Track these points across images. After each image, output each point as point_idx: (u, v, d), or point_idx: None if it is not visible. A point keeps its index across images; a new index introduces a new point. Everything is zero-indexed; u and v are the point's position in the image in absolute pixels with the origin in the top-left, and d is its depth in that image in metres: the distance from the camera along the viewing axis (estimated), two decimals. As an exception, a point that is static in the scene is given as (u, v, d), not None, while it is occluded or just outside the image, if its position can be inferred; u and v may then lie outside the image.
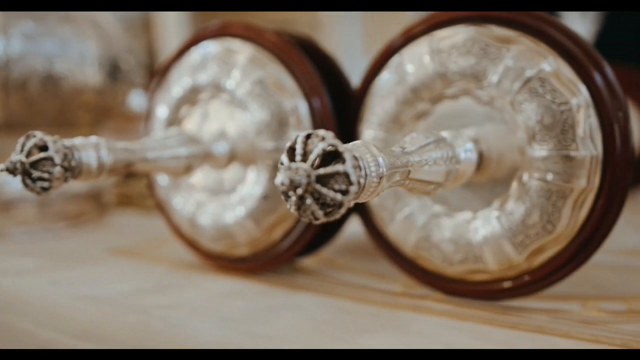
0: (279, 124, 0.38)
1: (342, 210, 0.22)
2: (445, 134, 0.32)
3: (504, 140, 0.33)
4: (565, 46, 0.32)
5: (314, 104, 0.38)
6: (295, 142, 0.23)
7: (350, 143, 0.24)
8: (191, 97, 0.42)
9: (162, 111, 0.44)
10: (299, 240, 0.40)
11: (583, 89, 0.31)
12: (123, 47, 0.60)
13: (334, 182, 0.22)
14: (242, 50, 0.40)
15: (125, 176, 0.70)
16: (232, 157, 0.40)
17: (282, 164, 0.22)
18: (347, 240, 0.51)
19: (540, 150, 0.32)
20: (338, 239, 0.50)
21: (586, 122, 0.31)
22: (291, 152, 0.23)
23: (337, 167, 0.22)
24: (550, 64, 0.31)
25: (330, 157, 0.22)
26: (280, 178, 0.22)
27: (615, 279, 0.40)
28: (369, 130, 0.37)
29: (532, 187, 0.32)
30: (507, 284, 0.35)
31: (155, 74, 0.46)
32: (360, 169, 0.23)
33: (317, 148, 0.22)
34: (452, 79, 0.34)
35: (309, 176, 0.22)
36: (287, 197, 0.23)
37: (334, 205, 0.22)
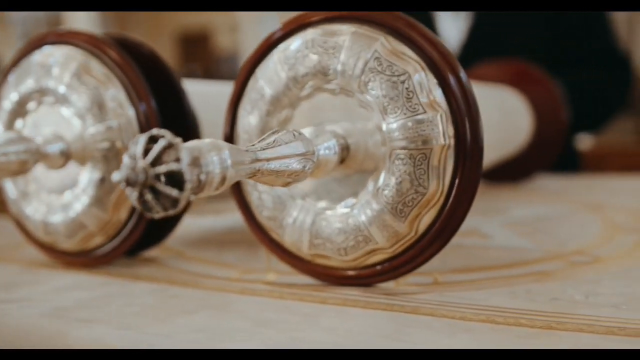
0: (99, 107, 0.41)
1: (180, 206, 0.25)
2: (308, 131, 0.34)
3: (369, 135, 0.35)
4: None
5: (140, 108, 0.42)
6: (136, 143, 0.25)
7: (195, 141, 0.26)
8: (20, 109, 0.45)
9: None
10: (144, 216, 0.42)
11: (413, 55, 0.34)
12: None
13: (170, 179, 0.24)
14: (59, 52, 0.43)
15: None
16: (67, 154, 0.42)
17: (124, 162, 0.25)
18: (198, 233, 0.54)
19: (394, 123, 0.34)
20: (190, 233, 0.53)
21: (424, 85, 0.33)
22: (132, 150, 0.25)
23: (172, 166, 0.24)
24: (383, 43, 0.34)
25: (172, 156, 0.24)
26: (119, 176, 0.24)
27: (438, 258, 0.44)
28: (249, 110, 0.38)
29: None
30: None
31: None
32: (200, 167, 0.25)
33: (157, 145, 0.25)
34: (331, 77, 0.35)
35: (146, 173, 0.24)
36: (129, 193, 0.25)
37: (171, 200, 0.25)
